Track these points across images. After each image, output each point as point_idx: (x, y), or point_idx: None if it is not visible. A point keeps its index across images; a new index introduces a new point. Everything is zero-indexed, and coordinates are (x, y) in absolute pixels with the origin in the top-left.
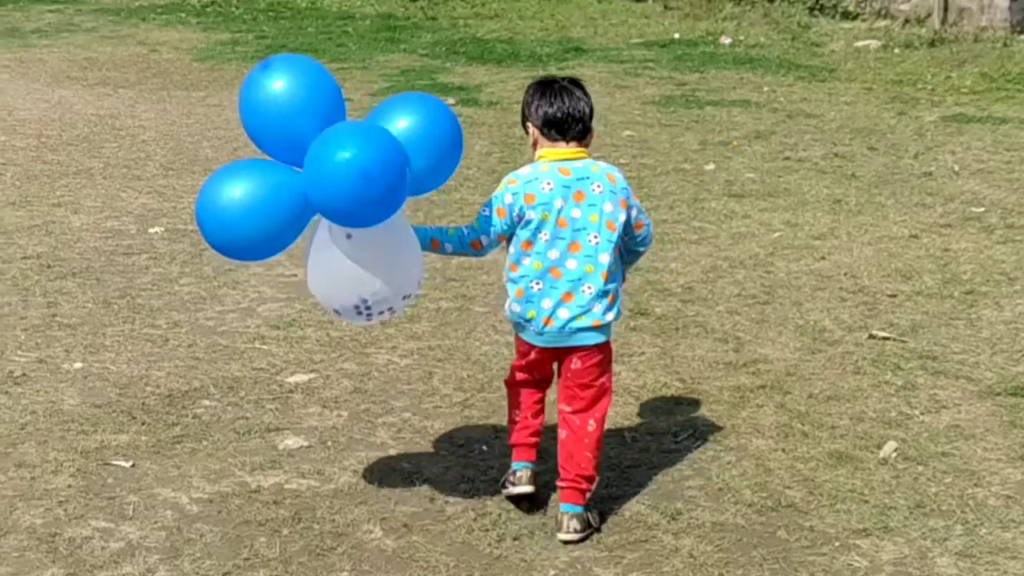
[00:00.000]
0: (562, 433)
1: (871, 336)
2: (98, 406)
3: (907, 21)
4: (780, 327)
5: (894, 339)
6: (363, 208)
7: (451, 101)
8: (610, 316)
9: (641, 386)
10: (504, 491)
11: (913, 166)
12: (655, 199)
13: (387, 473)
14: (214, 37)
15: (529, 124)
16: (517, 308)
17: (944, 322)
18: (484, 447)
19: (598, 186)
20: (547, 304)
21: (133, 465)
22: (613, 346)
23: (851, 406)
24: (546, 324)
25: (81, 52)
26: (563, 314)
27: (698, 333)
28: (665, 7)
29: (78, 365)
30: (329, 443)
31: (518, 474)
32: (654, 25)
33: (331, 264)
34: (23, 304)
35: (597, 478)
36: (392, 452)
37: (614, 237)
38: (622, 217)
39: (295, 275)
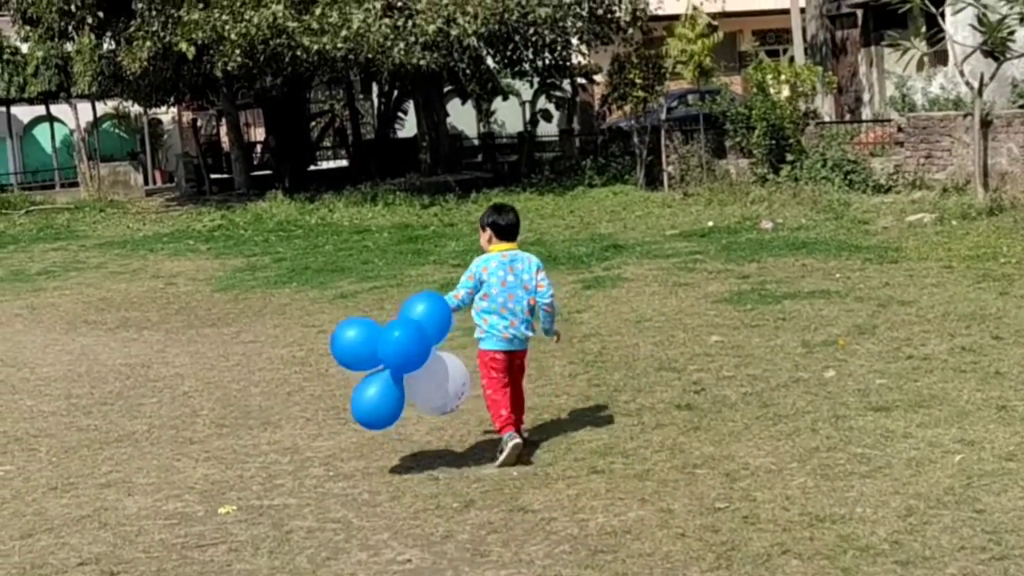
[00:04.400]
0: (513, 395)
1: None
2: None
3: (945, 190)
4: None
5: None
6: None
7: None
8: (530, 334)
9: None
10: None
11: None
12: (789, 420)
13: None
14: (229, 263)
15: (488, 229)
16: (486, 329)
17: None
18: None
19: (520, 265)
20: (502, 326)
21: None
22: None
23: None
24: (504, 338)
25: (94, 292)
26: (512, 332)
27: None
28: (685, 194)
29: None
30: None
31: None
32: (681, 214)
33: (421, 391)
34: None
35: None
36: None
37: (528, 295)
38: (531, 286)
39: (409, 560)
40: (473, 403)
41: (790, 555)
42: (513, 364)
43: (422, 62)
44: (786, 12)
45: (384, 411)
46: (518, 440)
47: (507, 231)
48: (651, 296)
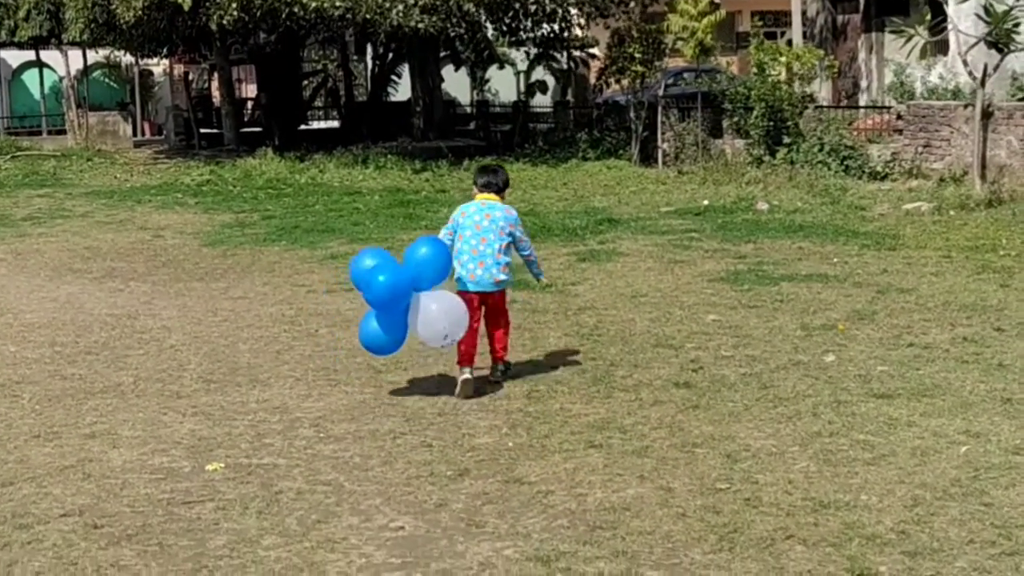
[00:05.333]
0: (492, 333)
1: None
2: None
3: (942, 180)
4: None
5: None
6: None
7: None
8: (502, 277)
9: None
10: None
11: None
12: (789, 403)
13: None
14: (217, 219)
15: (476, 184)
16: (458, 271)
17: None
18: None
19: (498, 213)
20: (471, 267)
21: None
22: None
23: None
24: (471, 279)
25: (80, 240)
26: (478, 274)
27: None
28: (679, 172)
29: None
30: None
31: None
32: (676, 192)
33: (427, 322)
34: None
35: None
36: None
37: (502, 240)
38: (505, 232)
39: (402, 527)
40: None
41: (794, 540)
42: (487, 304)
43: (420, 25)
44: None
45: (389, 337)
46: (466, 376)
47: (487, 185)
48: (647, 272)
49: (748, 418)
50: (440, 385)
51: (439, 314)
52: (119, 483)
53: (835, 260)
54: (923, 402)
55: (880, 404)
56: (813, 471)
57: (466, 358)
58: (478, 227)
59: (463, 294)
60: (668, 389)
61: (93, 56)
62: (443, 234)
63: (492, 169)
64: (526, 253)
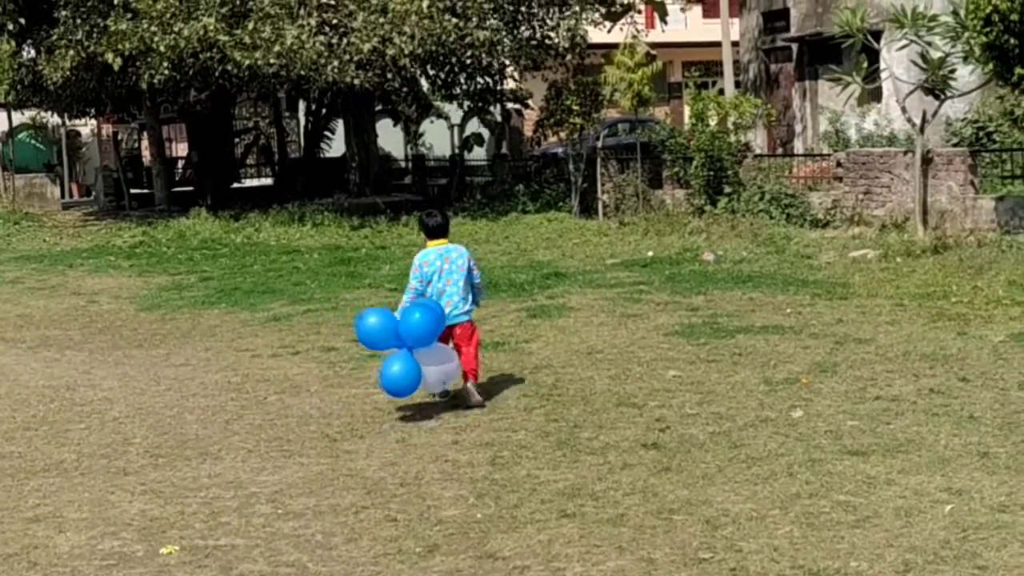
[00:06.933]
0: (463, 356)
1: None
2: None
3: (884, 226)
4: None
5: None
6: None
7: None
8: (466, 308)
9: None
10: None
11: None
12: (763, 463)
13: None
14: (153, 282)
15: (424, 234)
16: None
17: None
18: None
19: (454, 254)
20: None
21: None
22: None
23: None
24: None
25: (11, 308)
26: (447, 311)
27: None
28: (621, 223)
29: None
30: None
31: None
32: (619, 244)
33: (435, 376)
34: None
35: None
36: None
37: (463, 276)
38: (464, 268)
39: None
40: (426, 436)
41: None
42: (455, 333)
43: (356, 80)
44: (717, 45)
45: (407, 380)
46: (469, 387)
47: (434, 230)
48: (600, 327)
49: (723, 480)
50: (399, 453)
51: (437, 373)
52: (67, 571)
53: (788, 311)
54: (899, 458)
55: (856, 461)
56: (797, 536)
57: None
58: (441, 271)
59: None
60: (636, 451)
61: (19, 117)
62: (413, 285)
63: (433, 214)
64: (477, 281)
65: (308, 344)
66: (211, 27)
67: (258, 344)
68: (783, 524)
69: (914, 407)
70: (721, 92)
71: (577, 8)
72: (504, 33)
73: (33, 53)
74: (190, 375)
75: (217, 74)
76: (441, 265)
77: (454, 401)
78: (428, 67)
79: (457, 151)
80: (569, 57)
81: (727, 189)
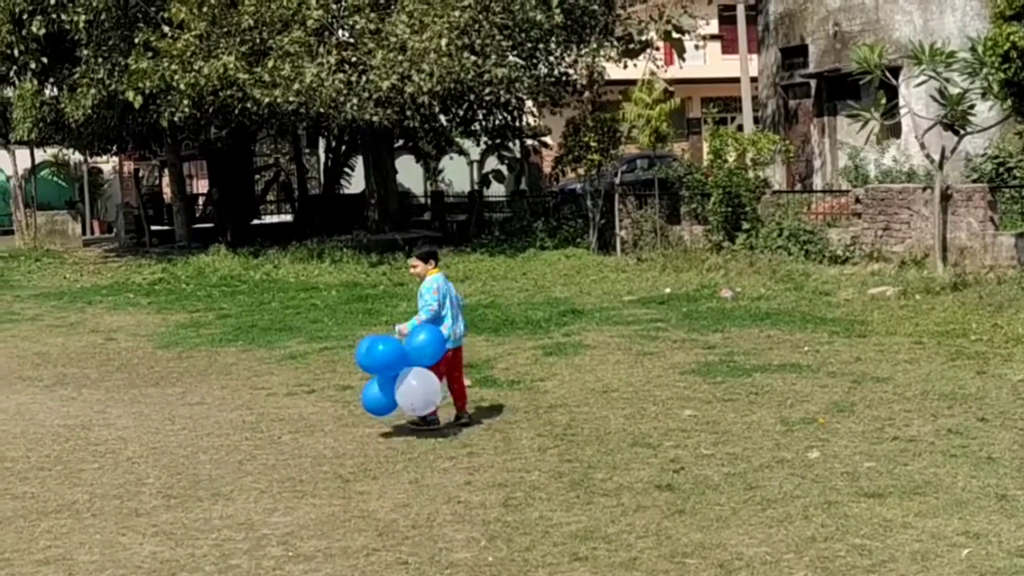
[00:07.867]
0: (455, 383)
1: None
2: None
3: (903, 263)
4: None
5: None
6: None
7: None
8: (465, 333)
9: None
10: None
11: None
12: (778, 505)
13: None
14: (171, 319)
15: (431, 260)
16: (446, 331)
17: None
18: None
19: (450, 281)
20: (459, 326)
21: None
22: None
23: None
24: (453, 336)
25: (29, 345)
26: (459, 331)
27: None
28: (639, 260)
29: None
30: None
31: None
32: (637, 280)
33: (410, 395)
34: None
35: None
36: None
37: (459, 301)
38: (457, 296)
39: None
40: (439, 476)
41: None
42: (456, 359)
43: (375, 118)
44: (736, 81)
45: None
46: (464, 420)
47: (435, 257)
48: (616, 365)
49: (737, 523)
50: (412, 494)
51: (416, 390)
52: None
53: (806, 349)
54: (916, 501)
55: (872, 504)
56: None
57: (462, 405)
58: (449, 297)
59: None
60: (650, 492)
61: (41, 155)
62: (435, 306)
63: (428, 243)
64: (464, 303)
65: (324, 382)
66: (231, 65)
67: (274, 382)
68: (798, 568)
69: (932, 448)
70: (740, 128)
71: (595, 45)
72: (523, 70)
73: (55, 91)
74: (205, 414)
75: (237, 111)
76: (450, 286)
77: (462, 442)
78: (447, 104)
79: (476, 187)
80: (587, 94)
81: (745, 225)
